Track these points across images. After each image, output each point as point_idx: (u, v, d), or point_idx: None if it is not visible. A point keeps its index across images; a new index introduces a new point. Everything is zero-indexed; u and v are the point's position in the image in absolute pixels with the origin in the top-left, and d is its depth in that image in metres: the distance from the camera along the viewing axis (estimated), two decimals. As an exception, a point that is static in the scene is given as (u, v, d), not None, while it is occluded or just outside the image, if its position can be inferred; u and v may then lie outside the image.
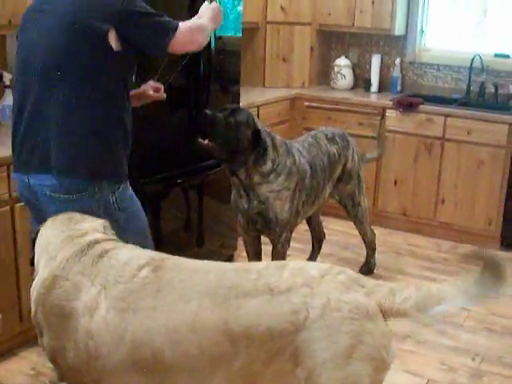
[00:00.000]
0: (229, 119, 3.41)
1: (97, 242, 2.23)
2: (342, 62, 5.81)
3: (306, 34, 5.73)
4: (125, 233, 2.53)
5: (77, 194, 2.55)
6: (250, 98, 5.10)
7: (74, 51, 2.49)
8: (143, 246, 2.37)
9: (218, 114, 3.41)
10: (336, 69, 5.81)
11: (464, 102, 5.27)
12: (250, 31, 5.49)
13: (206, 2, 2.94)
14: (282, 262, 2.15)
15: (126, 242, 2.36)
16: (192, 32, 2.67)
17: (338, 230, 5.16)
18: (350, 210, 4.33)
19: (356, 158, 4.22)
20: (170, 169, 3.97)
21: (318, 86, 5.91)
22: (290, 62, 5.76)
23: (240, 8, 4.31)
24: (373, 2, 5.38)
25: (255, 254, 3.96)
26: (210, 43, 3.94)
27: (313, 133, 4.12)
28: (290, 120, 5.54)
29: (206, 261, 2.23)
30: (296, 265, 2.10)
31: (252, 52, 5.69)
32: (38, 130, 2.55)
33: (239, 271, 2.09)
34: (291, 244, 3.94)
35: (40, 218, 2.55)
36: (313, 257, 4.61)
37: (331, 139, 4.07)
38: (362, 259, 4.62)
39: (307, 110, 5.55)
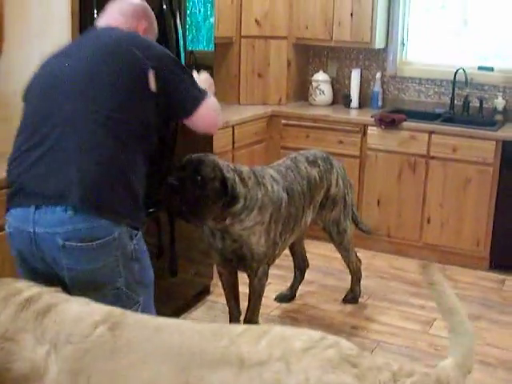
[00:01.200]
0: (195, 179, 3.11)
1: (38, 296, 1.93)
2: (321, 76, 5.58)
3: (282, 48, 5.49)
4: (137, 286, 2.33)
5: (95, 241, 2.22)
6: (224, 116, 4.76)
7: (114, 81, 2.28)
8: (150, 303, 2.37)
9: (183, 176, 3.12)
10: (314, 84, 5.58)
11: (448, 118, 5.07)
12: (224, 46, 5.24)
13: (194, 73, 2.69)
14: (265, 328, 1.81)
15: (138, 295, 2.32)
16: (216, 109, 2.52)
17: (320, 254, 4.89)
18: (334, 237, 4.07)
19: (341, 183, 3.97)
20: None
21: (296, 103, 5.67)
22: (265, 78, 5.52)
23: (212, 20, 4.06)
24: (351, 15, 5.16)
25: (231, 288, 3.69)
26: (179, 58, 3.69)
27: (293, 155, 3.86)
28: (266, 139, 5.29)
29: (174, 319, 1.96)
30: (279, 333, 1.76)
31: (226, 68, 5.44)
32: (60, 163, 2.24)
33: (210, 335, 1.78)
34: (271, 271, 3.69)
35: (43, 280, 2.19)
36: (294, 286, 4.35)
37: (312, 162, 3.81)
38: (347, 285, 4.37)
39: (285, 128, 5.30)
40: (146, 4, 2.63)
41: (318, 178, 3.78)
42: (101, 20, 2.57)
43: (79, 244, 2.21)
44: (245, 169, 3.38)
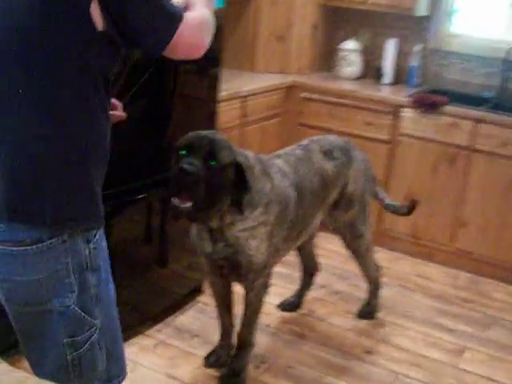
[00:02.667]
0: (209, 165, 2.44)
1: None
2: (350, 45, 4.82)
3: (308, 9, 4.73)
4: (94, 304, 1.75)
5: (36, 244, 1.64)
6: (235, 85, 4.15)
7: (41, 32, 1.55)
8: (113, 327, 1.83)
9: (197, 165, 2.41)
10: (342, 53, 4.82)
11: (496, 104, 4.30)
12: (240, 3, 4.53)
13: None
14: None
15: (94, 317, 1.75)
16: (201, 27, 1.73)
17: (335, 252, 4.18)
18: (348, 242, 3.38)
19: (361, 179, 3.26)
20: (126, 181, 3.04)
21: (319, 73, 4.93)
22: (286, 43, 4.78)
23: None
24: (392, -26, 4.39)
25: (223, 300, 3.04)
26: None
27: (305, 142, 3.15)
28: (282, 114, 4.57)
29: None
30: None
31: (241, 29, 4.71)
32: None
33: None
34: (276, 269, 3.09)
35: None
36: (301, 292, 3.68)
37: (328, 153, 3.10)
38: (362, 294, 3.70)
39: (304, 102, 4.57)
40: None
41: (333, 173, 3.08)
42: None
43: (14, 248, 1.63)
44: (250, 154, 2.70)
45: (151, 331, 3.31)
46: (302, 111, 4.59)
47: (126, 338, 3.15)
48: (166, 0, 1.66)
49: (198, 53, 1.74)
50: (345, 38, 4.88)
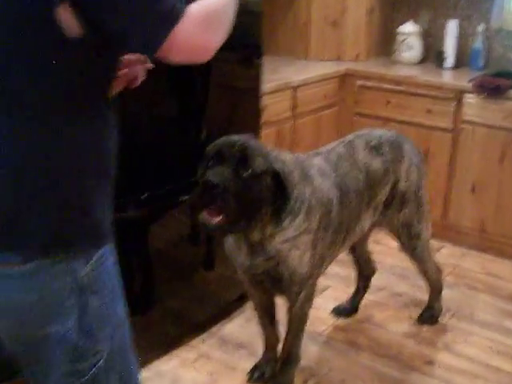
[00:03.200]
0: (243, 177, 2.23)
1: None
2: (409, 28, 4.52)
3: (363, -8, 4.48)
4: (97, 330, 1.58)
5: (27, 263, 1.48)
6: (286, 74, 3.97)
7: (10, 48, 1.40)
8: (123, 352, 1.65)
9: (225, 175, 2.21)
10: (401, 37, 4.53)
11: None
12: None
13: None
14: None
15: (97, 344, 1.57)
16: (207, 24, 1.45)
17: (395, 249, 3.86)
18: (405, 243, 3.13)
19: (414, 175, 2.99)
20: (165, 183, 2.90)
21: (377, 59, 4.65)
22: (341, 28, 4.52)
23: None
24: (451, -51, 4.07)
25: (266, 312, 2.84)
26: None
27: (350, 137, 2.90)
28: (337, 104, 4.33)
29: None
30: None
31: (293, 15, 4.49)
32: None
33: None
34: (330, 269, 2.90)
35: None
36: (357, 297, 3.45)
37: (375, 148, 2.85)
38: (425, 295, 3.43)
39: (360, 90, 4.31)
40: None
41: (381, 170, 2.83)
42: None
43: (3, 268, 1.47)
44: (287, 157, 2.48)
45: (194, 342, 3.14)
46: (357, 100, 4.33)
47: (168, 350, 3.04)
48: None
49: (204, 56, 1.49)
50: (403, 21, 4.58)
